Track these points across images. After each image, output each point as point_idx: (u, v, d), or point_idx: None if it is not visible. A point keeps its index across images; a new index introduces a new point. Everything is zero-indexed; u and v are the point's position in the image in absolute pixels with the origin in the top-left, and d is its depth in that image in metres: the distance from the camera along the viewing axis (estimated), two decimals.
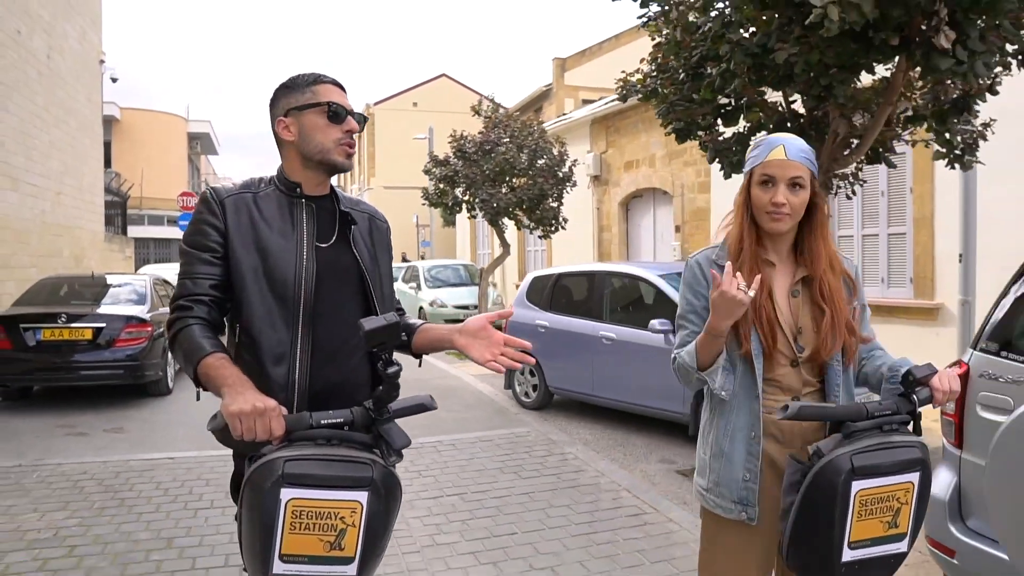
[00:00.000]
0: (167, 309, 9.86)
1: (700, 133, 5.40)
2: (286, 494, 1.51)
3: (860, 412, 1.80)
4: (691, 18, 4.68)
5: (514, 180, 12.13)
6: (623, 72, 5.71)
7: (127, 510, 4.76)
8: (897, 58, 4.18)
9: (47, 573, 3.81)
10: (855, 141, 4.87)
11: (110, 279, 10.05)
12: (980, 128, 5.59)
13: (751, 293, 1.77)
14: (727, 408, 2.01)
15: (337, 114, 1.89)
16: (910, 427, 1.86)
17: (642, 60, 5.50)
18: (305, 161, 1.92)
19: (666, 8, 4.70)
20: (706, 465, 2.09)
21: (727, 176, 5.26)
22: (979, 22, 3.78)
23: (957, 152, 5.51)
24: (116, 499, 4.98)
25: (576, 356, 7.37)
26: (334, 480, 1.54)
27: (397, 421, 1.69)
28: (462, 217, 13.86)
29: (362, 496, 1.55)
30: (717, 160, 5.28)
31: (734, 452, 2.01)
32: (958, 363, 3.07)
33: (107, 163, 20.44)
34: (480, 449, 6.26)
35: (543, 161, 11.93)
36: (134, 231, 26.19)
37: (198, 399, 1.83)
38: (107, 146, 21.06)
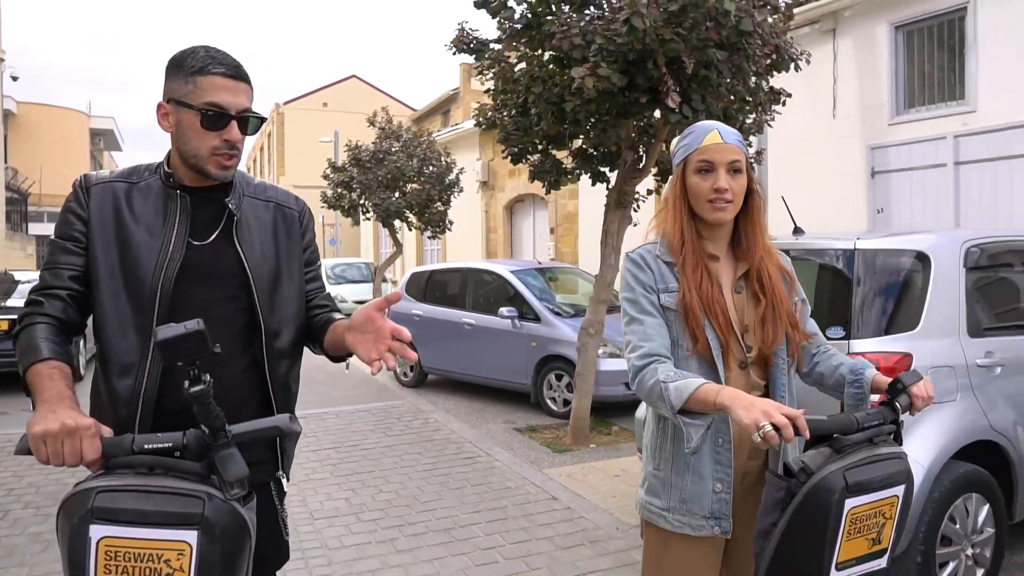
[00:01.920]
0: None
1: (531, 156, 6.75)
2: (96, 531, 1.31)
3: (851, 424, 1.69)
4: (516, 69, 6.02)
5: (408, 186, 13.35)
6: (477, 103, 7.01)
7: (52, 468, 5.77)
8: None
9: None
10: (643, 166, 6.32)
11: (20, 276, 10.76)
12: (754, 156, 7.17)
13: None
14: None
15: (214, 122, 1.62)
16: (893, 437, 1.78)
17: (487, 96, 6.81)
18: (181, 158, 1.68)
19: (491, 62, 6.03)
20: (666, 482, 1.92)
21: (547, 192, 6.64)
22: (703, 87, 5.24)
23: None
24: None
25: (444, 340, 8.68)
26: (154, 516, 1.32)
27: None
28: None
29: (190, 536, 1.32)
30: (537, 179, 6.66)
31: (702, 465, 1.86)
32: None
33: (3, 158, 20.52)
34: (358, 417, 7.48)
35: (432, 168, 13.19)
36: (32, 228, 26.01)
37: (33, 408, 1.48)
38: (3, 140, 21.12)
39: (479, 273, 8.91)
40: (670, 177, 1.99)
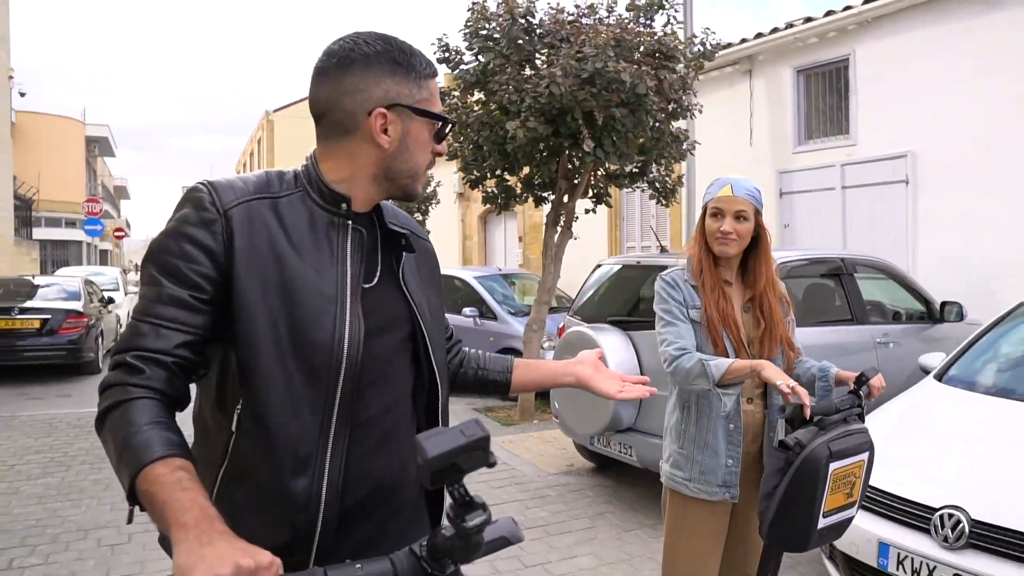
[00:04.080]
0: (97, 304, 11.90)
1: (487, 182, 8.15)
2: None
3: (831, 407, 2.10)
4: (471, 114, 7.42)
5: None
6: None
7: (95, 437, 7.12)
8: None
9: (57, 464, 6.19)
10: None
11: (41, 280, 12.09)
12: (677, 179, 8.59)
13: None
14: (707, 406, 2.32)
15: (443, 133, 1.33)
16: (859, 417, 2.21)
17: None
18: (381, 176, 1.30)
19: (449, 109, 7.42)
20: (688, 458, 2.37)
21: (498, 213, 8.06)
22: (612, 134, 6.65)
23: (663, 194, 8.48)
24: (84, 432, 7.35)
25: None
26: None
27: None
28: None
29: None
30: (488, 203, 8.07)
31: (718, 444, 2.32)
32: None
33: None
34: None
35: None
36: (35, 233, 27.19)
37: (129, 521, 1.15)
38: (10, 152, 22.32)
39: (449, 278, 10.30)
40: (699, 215, 2.47)
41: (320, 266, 1.24)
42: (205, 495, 1.03)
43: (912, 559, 3.01)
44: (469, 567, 1.16)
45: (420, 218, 14.80)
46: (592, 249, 11.65)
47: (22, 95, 22.11)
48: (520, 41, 6.56)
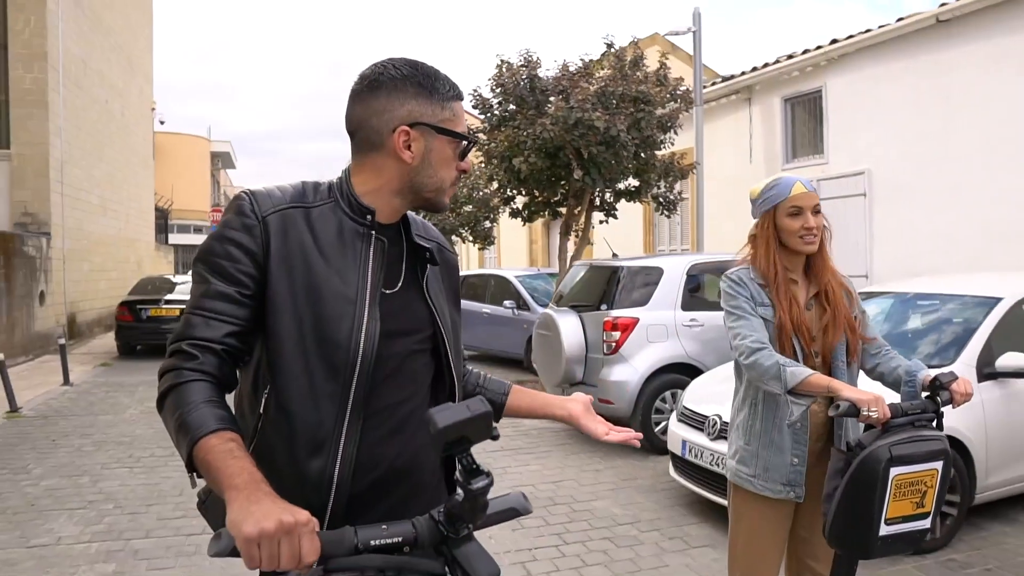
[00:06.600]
0: None
1: (518, 199, 10.25)
2: None
3: (897, 410, 2.04)
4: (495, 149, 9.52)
5: (462, 208, 17.00)
6: (482, 162, 10.55)
7: None
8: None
9: None
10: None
11: (178, 279, 15.09)
12: (677, 194, 10.43)
13: (875, 414, 2.01)
14: (775, 403, 2.29)
15: (468, 151, 1.46)
16: (934, 423, 2.13)
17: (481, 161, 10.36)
18: (406, 189, 1.43)
19: (479, 144, 9.54)
20: (753, 455, 2.36)
21: (524, 223, 10.16)
22: (598, 165, 8.59)
23: (666, 208, 10.34)
24: None
25: (471, 325, 12.23)
26: None
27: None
28: None
29: None
30: (511, 216, 10.16)
31: (783, 441, 2.31)
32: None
33: None
34: None
35: (480, 194, 16.83)
36: (171, 239, 31.22)
37: (193, 486, 1.30)
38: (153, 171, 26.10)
39: (496, 277, 12.47)
40: (758, 220, 2.43)
41: (344, 271, 1.36)
42: (252, 462, 1.17)
43: (694, 448, 4.90)
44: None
45: (488, 225, 17.03)
46: (630, 251, 13.55)
47: (162, 123, 25.74)
48: (524, 95, 8.64)
